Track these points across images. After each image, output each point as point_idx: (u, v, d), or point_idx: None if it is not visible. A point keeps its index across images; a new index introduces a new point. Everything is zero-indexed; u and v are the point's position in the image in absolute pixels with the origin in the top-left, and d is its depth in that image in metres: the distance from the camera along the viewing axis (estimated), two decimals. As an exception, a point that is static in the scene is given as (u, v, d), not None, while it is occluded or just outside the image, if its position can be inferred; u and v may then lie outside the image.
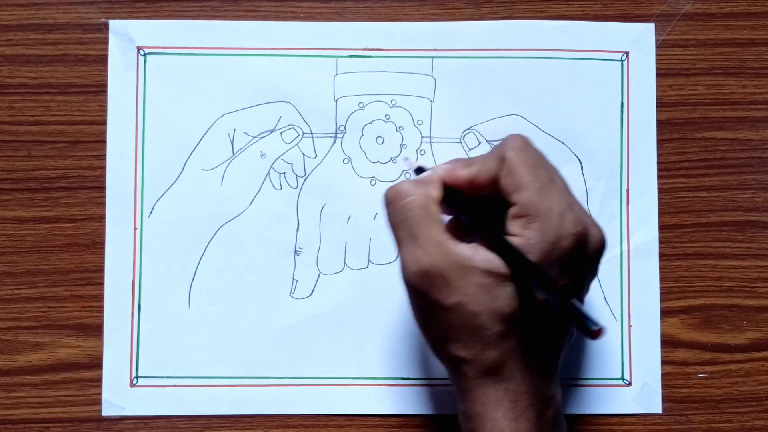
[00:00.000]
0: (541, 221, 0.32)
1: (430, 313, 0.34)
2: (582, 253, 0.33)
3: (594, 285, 0.43)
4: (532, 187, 0.33)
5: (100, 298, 0.43)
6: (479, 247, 0.33)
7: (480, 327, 0.33)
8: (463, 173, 0.35)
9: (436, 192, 0.35)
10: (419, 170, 0.37)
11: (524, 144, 0.34)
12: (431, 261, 0.33)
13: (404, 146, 0.43)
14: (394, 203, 0.35)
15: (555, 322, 0.34)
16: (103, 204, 0.43)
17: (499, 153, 0.34)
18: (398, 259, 0.35)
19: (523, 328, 0.33)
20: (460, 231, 0.36)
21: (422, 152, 0.43)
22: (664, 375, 0.43)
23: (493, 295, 0.33)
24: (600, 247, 0.35)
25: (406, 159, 0.42)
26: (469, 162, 0.36)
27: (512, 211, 0.33)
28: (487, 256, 0.33)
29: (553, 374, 0.35)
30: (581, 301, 0.36)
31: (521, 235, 0.33)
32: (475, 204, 0.36)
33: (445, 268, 0.33)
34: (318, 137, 0.43)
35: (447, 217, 0.37)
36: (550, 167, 0.35)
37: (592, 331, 0.29)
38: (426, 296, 0.34)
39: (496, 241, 0.33)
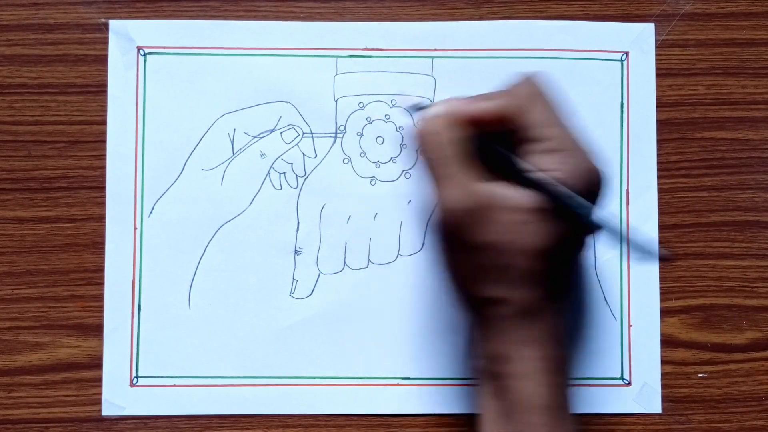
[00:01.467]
0: (577, 156, 0.33)
1: (460, 254, 0.34)
2: (602, 192, 0.34)
3: (594, 285, 0.43)
4: (563, 124, 0.34)
5: (100, 298, 0.43)
6: (508, 184, 0.34)
7: (511, 265, 0.33)
8: (488, 106, 0.35)
9: (463, 132, 0.35)
10: (420, 109, 0.38)
11: (542, 83, 0.35)
12: (467, 200, 0.33)
13: (404, 146, 0.43)
14: (426, 141, 0.35)
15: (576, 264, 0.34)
16: (103, 204, 0.43)
17: (523, 90, 0.34)
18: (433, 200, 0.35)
19: (555, 264, 0.34)
20: (491, 171, 0.36)
21: (422, 152, 0.43)
22: (663, 375, 0.43)
23: (525, 231, 0.33)
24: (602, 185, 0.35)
25: (405, 104, 0.42)
26: (485, 96, 0.36)
27: (544, 146, 0.33)
28: (518, 193, 0.33)
29: (564, 315, 0.36)
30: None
31: (559, 169, 0.33)
32: (496, 141, 0.36)
33: (474, 207, 0.33)
34: (318, 137, 0.43)
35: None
36: None
37: (662, 256, 0.29)
38: (460, 236, 0.34)
39: (529, 178, 0.33)
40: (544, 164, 0.33)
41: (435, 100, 0.43)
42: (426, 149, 0.35)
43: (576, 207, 0.32)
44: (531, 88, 0.35)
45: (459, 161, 0.34)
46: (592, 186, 0.33)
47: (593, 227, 0.31)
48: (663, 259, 0.29)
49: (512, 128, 0.35)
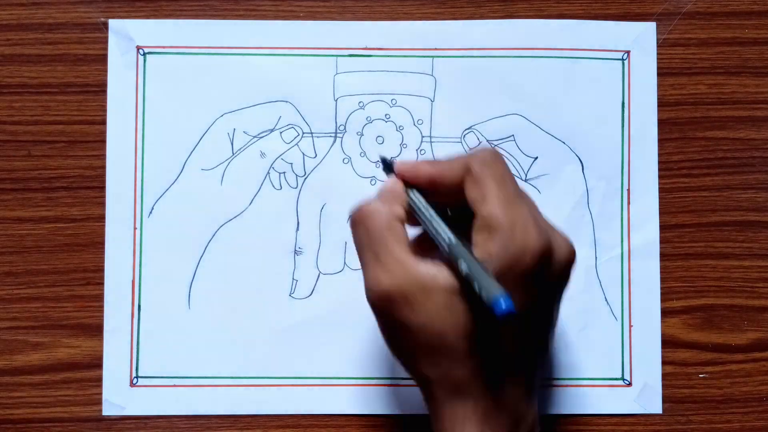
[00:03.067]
0: (504, 235, 0.31)
1: (395, 333, 0.33)
2: (547, 269, 0.32)
3: (595, 285, 0.43)
4: (497, 199, 0.32)
5: (100, 298, 0.43)
6: (443, 265, 0.32)
7: (446, 346, 0.32)
8: (426, 169, 0.34)
9: (400, 208, 0.34)
10: (386, 165, 0.36)
11: (493, 156, 0.33)
12: (393, 282, 0.32)
13: (404, 146, 0.43)
14: (359, 225, 0.34)
15: (524, 341, 0.33)
16: (103, 204, 0.43)
17: (467, 162, 0.33)
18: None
19: (490, 347, 0.33)
20: (426, 246, 0.35)
21: (422, 152, 0.43)
22: (664, 375, 0.43)
23: (456, 312, 0.32)
24: (568, 261, 0.34)
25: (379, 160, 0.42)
26: (433, 162, 0.35)
27: (476, 222, 0.32)
28: (443, 273, 0.32)
29: (527, 393, 0.34)
30: (556, 315, 0.35)
31: (484, 248, 0.31)
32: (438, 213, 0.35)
33: (407, 288, 0.32)
34: (318, 137, 0.43)
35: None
36: (515, 182, 0.34)
37: (497, 311, 0.28)
38: (391, 317, 0.33)
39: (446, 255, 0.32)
40: (476, 241, 0.32)
41: (435, 100, 0.43)
42: (358, 233, 0.34)
43: (479, 288, 0.30)
44: (472, 162, 0.33)
45: (392, 241, 0.33)
46: (519, 267, 0.31)
47: (491, 310, 0.29)
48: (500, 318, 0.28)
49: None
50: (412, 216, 0.35)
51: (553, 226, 0.34)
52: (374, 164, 0.43)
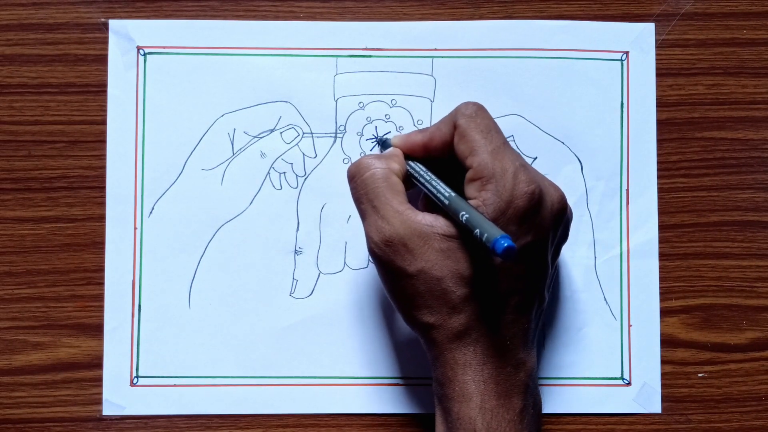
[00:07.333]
0: (495, 182, 0.33)
1: (396, 281, 0.35)
2: (539, 212, 0.34)
3: (594, 284, 0.43)
4: (485, 150, 0.34)
5: (100, 298, 0.43)
6: (439, 215, 0.35)
7: (445, 291, 0.34)
8: (418, 138, 0.37)
9: (396, 165, 0.37)
10: (384, 144, 0.39)
11: (477, 110, 0.36)
12: (393, 230, 0.34)
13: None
14: (356, 177, 0.36)
15: (520, 283, 0.35)
16: (103, 204, 0.43)
17: (452, 119, 0.36)
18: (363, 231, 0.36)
19: (488, 291, 0.34)
20: (431, 204, 0.37)
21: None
22: (663, 375, 0.43)
23: (455, 258, 0.34)
24: (560, 207, 0.35)
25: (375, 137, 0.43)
26: (423, 129, 0.38)
27: (468, 175, 0.35)
28: (440, 221, 0.34)
29: (524, 339, 0.36)
30: (552, 267, 0.37)
31: (477, 197, 0.34)
32: (434, 171, 0.37)
33: (406, 236, 0.34)
34: (318, 137, 0.43)
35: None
36: (502, 132, 0.36)
37: (498, 249, 0.30)
38: (391, 265, 0.35)
39: (441, 205, 0.34)
40: (468, 192, 0.34)
41: (435, 101, 0.43)
42: (355, 185, 0.36)
43: (479, 234, 0.31)
44: (457, 118, 0.35)
45: (389, 193, 0.35)
46: (512, 210, 0.33)
47: (494, 253, 0.30)
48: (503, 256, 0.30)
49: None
50: (408, 179, 0.37)
51: (542, 175, 0.36)
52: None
